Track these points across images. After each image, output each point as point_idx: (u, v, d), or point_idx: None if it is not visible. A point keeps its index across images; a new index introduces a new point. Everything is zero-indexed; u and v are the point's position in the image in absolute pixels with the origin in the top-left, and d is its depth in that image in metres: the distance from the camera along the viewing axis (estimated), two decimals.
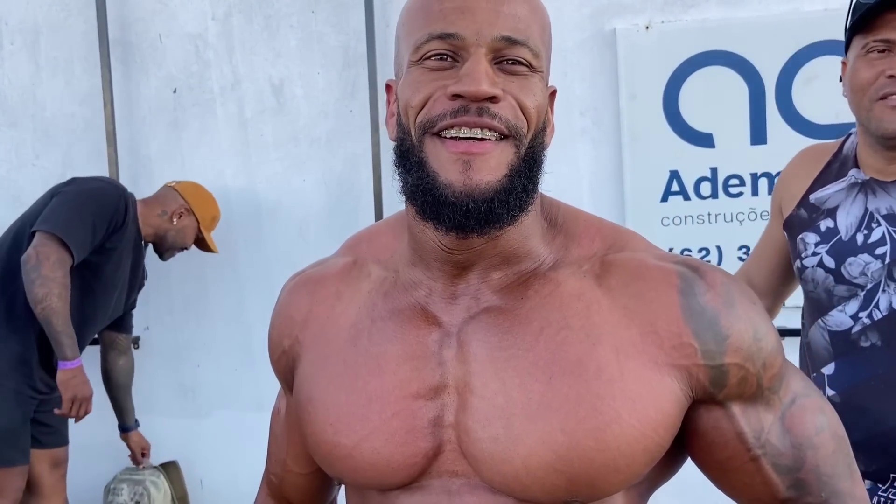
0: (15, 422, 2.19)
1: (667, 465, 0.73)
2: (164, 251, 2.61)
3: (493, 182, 0.63)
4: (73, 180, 2.39)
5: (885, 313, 1.18)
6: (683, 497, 2.84)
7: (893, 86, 1.13)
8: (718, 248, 2.63)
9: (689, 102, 2.62)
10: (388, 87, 0.74)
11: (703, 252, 2.64)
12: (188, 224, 2.50)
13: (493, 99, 0.62)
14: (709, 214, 2.58)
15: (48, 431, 2.37)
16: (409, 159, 0.66)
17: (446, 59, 0.64)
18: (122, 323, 2.62)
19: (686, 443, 0.71)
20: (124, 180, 2.93)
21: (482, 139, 0.62)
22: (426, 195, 0.64)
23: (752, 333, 0.66)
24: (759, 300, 0.71)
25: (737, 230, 2.59)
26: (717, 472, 0.72)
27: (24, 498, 2.40)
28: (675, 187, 2.60)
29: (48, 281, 2.02)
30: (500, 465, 0.64)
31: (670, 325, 0.65)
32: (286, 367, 0.80)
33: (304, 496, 0.85)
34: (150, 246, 2.59)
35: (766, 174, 2.52)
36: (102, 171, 2.91)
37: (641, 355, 0.65)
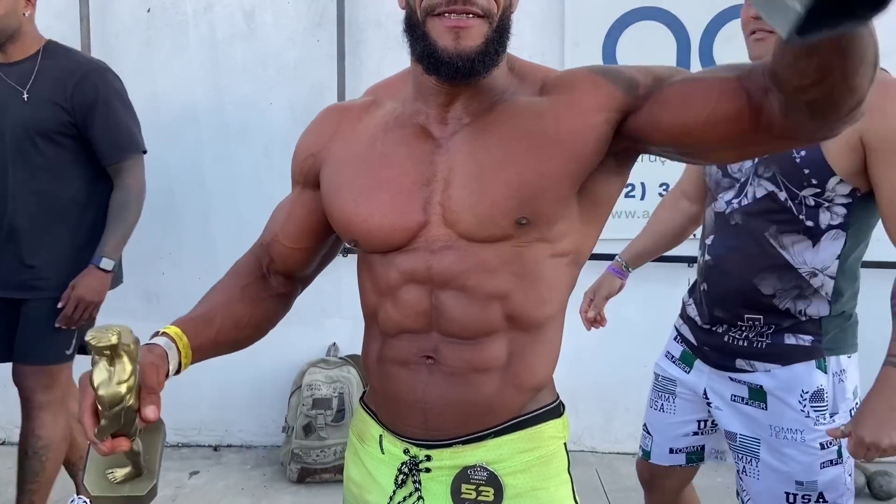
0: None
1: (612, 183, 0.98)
2: None
3: (475, 47, 0.88)
4: None
5: (749, 200, 1.49)
6: (601, 402, 3.25)
7: (755, 24, 1.48)
8: (643, 184, 2.98)
9: (625, 52, 2.92)
10: None
11: (629, 187, 2.98)
12: None
13: None
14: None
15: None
16: (416, 31, 0.91)
17: None
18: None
19: (650, 126, 0.90)
20: None
21: (467, 19, 0.87)
22: (430, 57, 0.89)
23: (636, 67, 0.93)
24: None
25: (659, 169, 2.94)
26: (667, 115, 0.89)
27: None
28: None
29: None
30: (474, 207, 0.91)
31: (595, 84, 0.92)
32: (311, 167, 1.05)
33: (281, 260, 1.10)
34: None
35: None
36: None
37: (573, 110, 0.91)
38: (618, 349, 3.02)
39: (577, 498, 1.02)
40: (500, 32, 0.91)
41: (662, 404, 1.76)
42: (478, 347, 0.94)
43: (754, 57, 1.50)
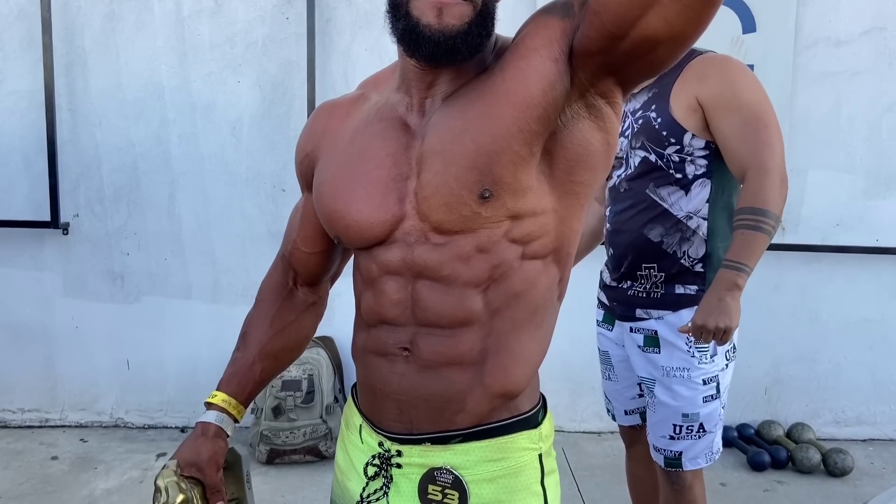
0: None
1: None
2: None
3: (458, 25, 0.87)
4: None
5: (632, 169, 1.78)
6: (567, 382, 3.29)
7: None
8: None
9: None
10: None
11: None
12: None
13: None
14: None
15: None
16: (399, 10, 0.89)
17: None
18: None
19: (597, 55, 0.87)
20: (59, 68, 2.97)
21: None
22: (411, 34, 0.88)
23: None
24: None
25: None
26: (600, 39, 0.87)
27: None
28: None
29: None
30: (440, 188, 0.90)
31: (535, 23, 0.90)
32: (307, 167, 1.07)
33: (304, 268, 1.14)
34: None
35: None
36: (37, 57, 2.93)
37: (516, 56, 0.89)
38: (584, 330, 3.07)
39: None
40: (484, 16, 0.90)
41: (608, 374, 2.00)
42: (453, 339, 0.94)
43: None
